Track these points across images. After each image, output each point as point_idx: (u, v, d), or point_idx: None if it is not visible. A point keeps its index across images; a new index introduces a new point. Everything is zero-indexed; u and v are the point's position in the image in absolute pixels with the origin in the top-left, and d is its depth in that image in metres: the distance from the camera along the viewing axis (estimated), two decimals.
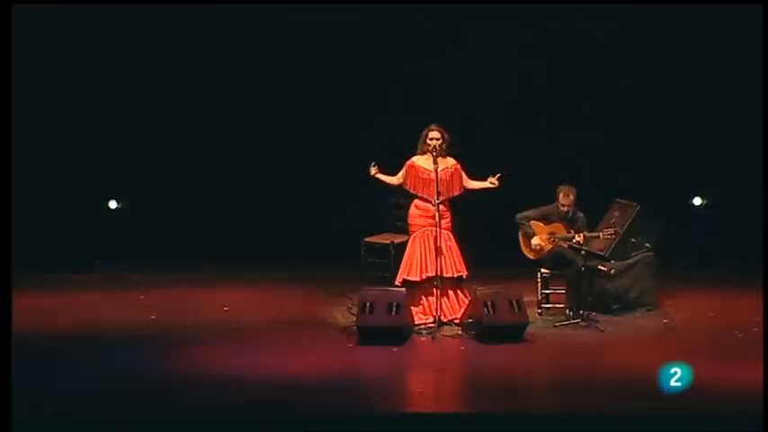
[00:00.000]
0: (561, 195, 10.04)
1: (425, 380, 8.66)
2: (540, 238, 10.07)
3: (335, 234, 11.86)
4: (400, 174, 9.97)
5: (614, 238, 10.18)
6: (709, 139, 12.31)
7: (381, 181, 9.96)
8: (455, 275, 9.90)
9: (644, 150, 12.37)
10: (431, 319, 9.78)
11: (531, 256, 10.21)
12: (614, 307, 10.28)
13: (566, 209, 10.04)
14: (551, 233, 10.09)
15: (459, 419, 7.66)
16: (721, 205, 12.56)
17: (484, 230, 10.82)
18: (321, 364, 8.76)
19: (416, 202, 9.96)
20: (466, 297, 9.91)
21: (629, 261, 10.45)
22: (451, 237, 9.94)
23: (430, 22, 12.33)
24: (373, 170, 9.87)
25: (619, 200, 10.70)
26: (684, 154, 12.35)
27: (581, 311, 9.89)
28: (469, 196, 10.04)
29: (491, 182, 9.93)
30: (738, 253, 11.84)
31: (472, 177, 10.02)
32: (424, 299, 9.92)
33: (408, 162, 9.94)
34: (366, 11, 12.19)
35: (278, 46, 12.63)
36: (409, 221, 10.03)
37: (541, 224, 10.14)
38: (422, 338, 9.54)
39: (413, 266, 9.89)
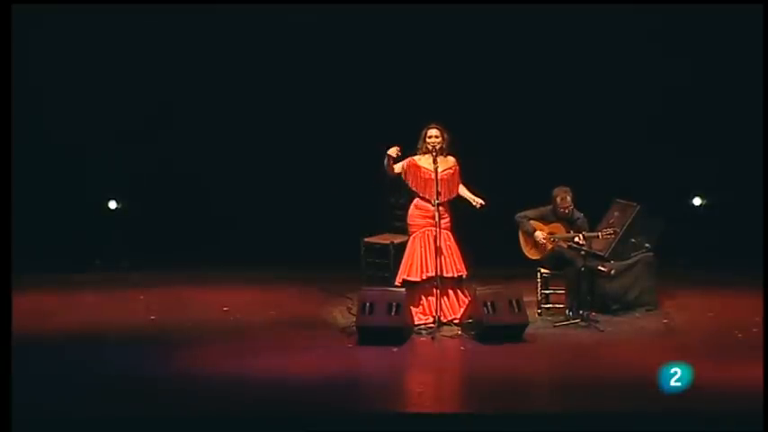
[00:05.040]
0: (559, 199, 10.03)
1: (425, 380, 8.67)
2: (542, 234, 10.07)
3: (335, 234, 11.86)
4: (401, 165, 9.93)
5: (614, 238, 10.19)
6: (709, 139, 12.30)
7: (388, 161, 9.81)
8: (455, 275, 9.90)
9: (644, 150, 12.36)
10: (431, 320, 9.78)
11: (530, 255, 10.21)
12: (614, 307, 10.28)
13: (566, 211, 10.04)
14: (551, 233, 10.09)
15: (459, 419, 7.66)
16: (721, 205, 12.55)
17: (484, 230, 10.82)
18: (321, 364, 8.76)
19: (416, 202, 9.95)
20: (466, 297, 9.91)
21: (629, 261, 10.45)
22: (451, 236, 9.94)
23: (427, 22, 12.32)
24: (395, 151, 9.79)
25: (619, 200, 10.70)
26: (684, 154, 12.34)
27: (581, 311, 9.89)
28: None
29: (475, 200, 9.91)
30: (738, 253, 11.83)
31: (464, 183, 10.01)
32: (423, 299, 9.92)
33: (410, 159, 9.91)
34: (363, 11, 12.18)
35: (278, 47, 12.62)
36: (409, 221, 10.03)
37: (541, 224, 10.15)
38: (422, 338, 9.54)
39: (413, 267, 9.89)
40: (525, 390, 8.37)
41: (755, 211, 11.82)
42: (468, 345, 9.34)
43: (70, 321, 10.11)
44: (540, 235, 10.07)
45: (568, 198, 10.02)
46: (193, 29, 12.47)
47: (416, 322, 9.75)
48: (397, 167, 9.91)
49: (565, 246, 10.06)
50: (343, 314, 10.34)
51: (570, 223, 10.09)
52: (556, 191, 10.07)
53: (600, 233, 10.05)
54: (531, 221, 10.13)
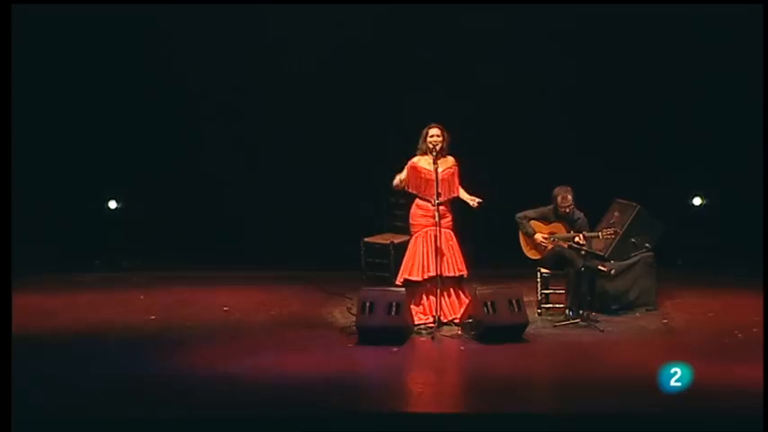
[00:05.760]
0: (560, 198, 10.03)
1: (425, 380, 8.66)
2: (541, 236, 10.07)
3: (335, 234, 11.86)
4: (402, 176, 9.96)
5: (614, 239, 10.19)
6: (709, 139, 12.29)
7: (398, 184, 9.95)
8: (456, 275, 9.90)
9: (644, 150, 12.36)
10: (431, 319, 9.78)
11: (530, 255, 10.21)
12: (614, 307, 10.28)
13: (566, 210, 10.04)
14: (551, 233, 10.09)
15: (459, 419, 7.67)
16: (721, 205, 12.55)
17: (484, 230, 10.82)
18: (321, 364, 8.77)
19: (418, 201, 9.95)
20: (466, 297, 9.91)
21: (629, 261, 10.45)
22: (453, 236, 9.94)
23: (425, 21, 12.32)
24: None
25: (619, 200, 10.71)
26: (684, 154, 12.34)
27: (581, 311, 9.90)
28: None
29: (473, 200, 9.91)
30: (738, 253, 11.83)
31: (462, 184, 10.01)
32: (425, 299, 9.92)
33: (410, 164, 9.92)
34: (362, 11, 12.18)
35: (277, 46, 12.62)
36: (411, 221, 10.02)
37: (541, 224, 10.15)
38: (422, 338, 9.54)
39: (414, 266, 9.89)
40: (525, 390, 8.36)
41: (755, 211, 11.82)
42: (468, 345, 9.34)
43: (70, 321, 10.11)
44: (539, 237, 10.07)
45: (569, 197, 10.02)
46: (194, 29, 12.46)
47: (417, 322, 9.75)
48: (399, 180, 9.93)
49: (565, 246, 10.06)
50: (343, 314, 10.34)
51: (570, 223, 10.09)
52: (557, 190, 10.07)
53: (600, 233, 10.05)
54: (532, 221, 10.13)
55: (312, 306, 10.73)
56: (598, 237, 10.08)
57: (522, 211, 10.18)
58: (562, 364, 8.88)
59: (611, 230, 10.05)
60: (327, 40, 12.43)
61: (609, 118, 12.41)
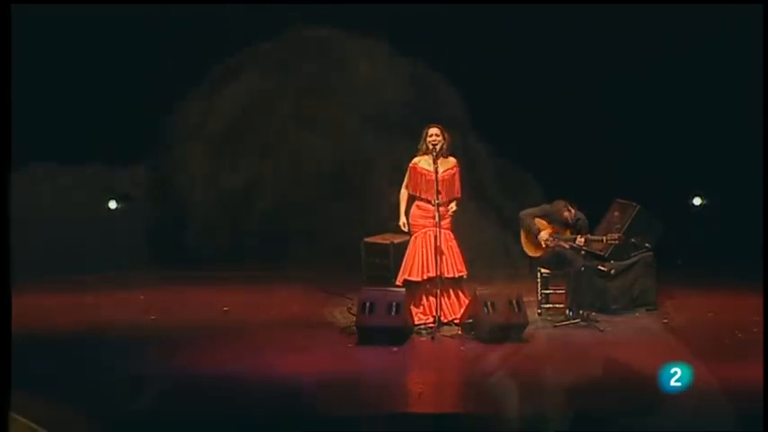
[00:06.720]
0: (558, 215, 10.03)
1: (425, 380, 8.66)
2: (547, 233, 10.06)
3: (335, 234, 11.85)
4: (405, 182, 9.97)
5: (617, 243, 10.18)
6: (709, 140, 12.30)
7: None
8: (456, 275, 9.90)
9: (644, 150, 12.36)
10: (431, 319, 9.78)
11: (531, 253, 10.22)
12: (614, 307, 10.29)
13: (568, 221, 10.06)
14: (553, 232, 10.09)
15: (459, 419, 7.67)
16: (721, 205, 12.54)
17: (485, 230, 10.83)
18: (321, 364, 8.77)
19: (418, 202, 9.95)
20: (466, 297, 9.91)
21: (629, 261, 10.46)
22: (452, 237, 9.94)
23: (423, 21, 12.32)
24: (403, 221, 9.94)
25: (619, 200, 10.71)
26: (684, 154, 12.34)
27: (581, 311, 9.90)
28: (467, 195, 10.05)
29: (451, 207, 9.93)
30: (738, 253, 11.83)
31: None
32: (424, 299, 9.92)
33: (411, 165, 9.94)
34: (362, 10, 12.18)
35: (275, 43, 12.60)
36: (411, 221, 10.02)
37: (545, 222, 10.15)
38: (422, 338, 9.54)
39: (414, 266, 9.89)
40: (525, 390, 8.36)
41: (755, 211, 11.81)
42: (468, 345, 9.34)
43: (70, 321, 10.11)
44: (544, 235, 10.07)
45: (564, 213, 10.04)
46: (191, 28, 12.45)
47: (416, 322, 9.75)
48: (405, 188, 9.94)
49: (566, 246, 10.06)
50: (343, 314, 10.34)
51: (572, 224, 10.09)
52: (556, 207, 10.06)
53: (604, 238, 10.05)
54: (536, 220, 10.13)
55: (312, 306, 10.73)
56: (602, 241, 10.08)
57: (523, 210, 10.18)
58: (562, 364, 8.87)
59: (615, 236, 10.05)
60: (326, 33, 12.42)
61: (609, 118, 12.41)
